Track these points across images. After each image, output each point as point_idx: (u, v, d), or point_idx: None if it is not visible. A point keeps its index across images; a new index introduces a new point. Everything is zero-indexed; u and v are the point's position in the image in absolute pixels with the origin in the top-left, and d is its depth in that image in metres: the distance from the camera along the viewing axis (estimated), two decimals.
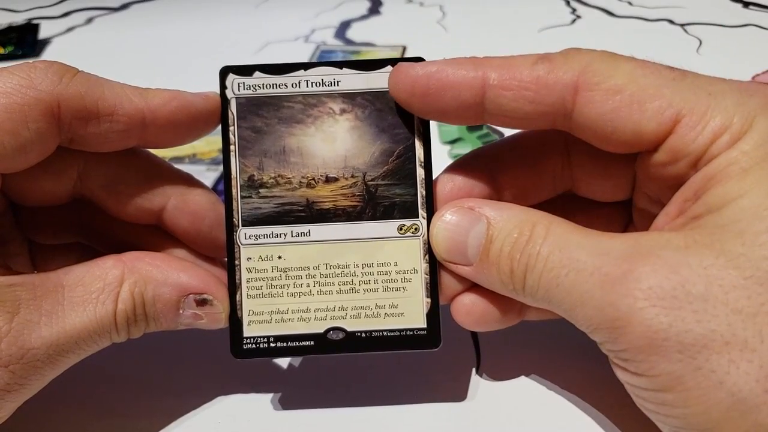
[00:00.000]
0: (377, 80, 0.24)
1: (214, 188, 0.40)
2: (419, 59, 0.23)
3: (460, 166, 0.24)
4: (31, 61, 0.22)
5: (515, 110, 0.21)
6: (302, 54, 0.57)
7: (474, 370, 0.27)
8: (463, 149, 0.43)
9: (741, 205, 0.18)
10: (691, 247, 0.19)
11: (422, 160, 0.24)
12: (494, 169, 0.24)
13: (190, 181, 0.25)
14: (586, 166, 0.24)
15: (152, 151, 0.25)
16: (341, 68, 0.24)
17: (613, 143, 0.21)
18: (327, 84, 0.24)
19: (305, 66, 0.24)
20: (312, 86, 0.24)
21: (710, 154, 0.20)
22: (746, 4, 0.60)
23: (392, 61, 0.23)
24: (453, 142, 0.44)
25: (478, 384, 0.26)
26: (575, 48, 0.22)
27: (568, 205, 0.25)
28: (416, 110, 0.23)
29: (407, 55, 0.55)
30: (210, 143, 0.44)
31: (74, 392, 0.26)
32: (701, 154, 0.20)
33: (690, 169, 0.20)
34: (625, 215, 0.25)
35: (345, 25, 0.62)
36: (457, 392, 0.26)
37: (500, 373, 0.27)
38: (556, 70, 0.21)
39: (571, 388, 0.26)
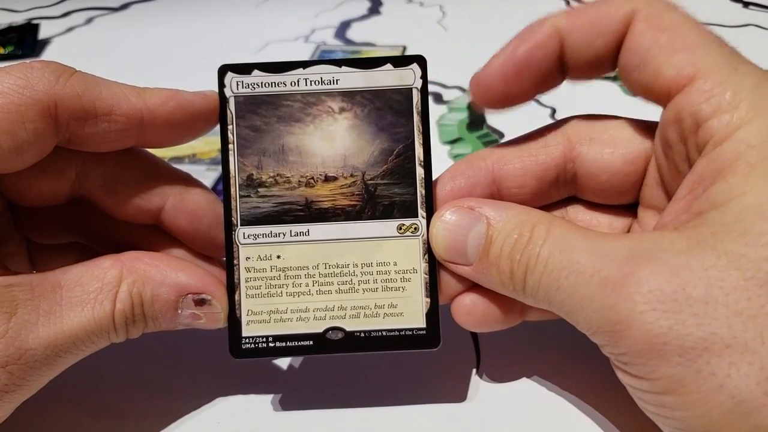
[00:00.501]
0: (377, 78, 0.23)
1: (214, 188, 0.40)
2: (419, 57, 0.24)
3: (461, 167, 0.24)
4: (29, 61, 0.22)
5: (589, 45, 0.22)
6: (302, 54, 0.57)
7: (474, 370, 0.27)
8: (463, 149, 0.43)
9: (745, 202, 0.18)
10: (693, 249, 0.18)
11: (422, 159, 0.24)
12: (496, 171, 0.24)
13: (188, 181, 0.25)
14: (589, 168, 0.24)
15: (151, 151, 0.25)
16: (340, 66, 0.24)
17: (635, 79, 0.22)
18: (326, 82, 0.24)
19: (304, 64, 0.24)
20: (311, 85, 0.24)
21: (709, 128, 0.19)
22: (746, 4, 0.60)
23: (391, 59, 0.24)
24: (453, 142, 0.44)
25: (478, 385, 0.26)
26: None
27: (571, 208, 0.25)
28: (516, 96, 0.23)
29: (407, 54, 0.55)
30: (209, 143, 0.44)
31: (74, 393, 0.26)
32: (702, 120, 0.20)
33: (691, 135, 0.20)
34: (628, 218, 0.25)
35: (345, 25, 0.62)
36: (457, 393, 0.26)
37: (500, 373, 0.27)
38: (614, 4, 0.22)
39: (571, 389, 0.26)
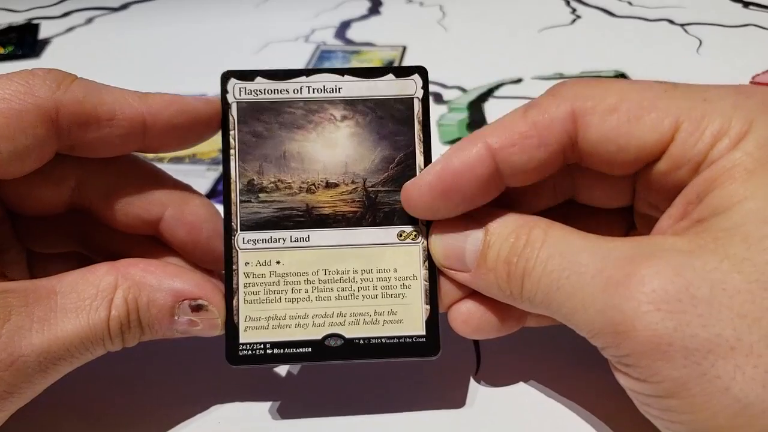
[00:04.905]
0: (379, 88, 0.24)
1: (215, 188, 0.40)
2: (421, 68, 0.24)
3: None
4: (31, 61, 0.22)
5: (528, 161, 0.21)
6: (302, 54, 0.57)
7: (473, 376, 0.27)
8: None
9: (746, 207, 0.18)
10: (695, 251, 0.18)
11: (422, 167, 0.24)
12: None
13: (188, 192, 0.25)
14: (586, 172, 0.24)
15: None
16: (343, 75, 0.24)
17: (619, 163, 0.21)
18: (328, 90, 0.24)
19: (307, 72, 0.24)
20: (313, 92, 0.24)
21: (711, 159, 0.19)
22: (746, 4, 0.60)
23: (394, 69, 0.24)
24: (453, 142, 0.44)
25: (477, 390, 0.26)
26: (559, 82, 0.22)
27: (569, 213, 0.25)
28: (444, 212, 0.23)
29: (407, 55, 0.55)
30: (210, 143, 0.43)
31: (71, 399, 0.26)
32: (702, 158, 0.20)
33: (692, 175, 0.20)
34: (626, 222, 0.25)
35: (345, 25, 0.62)
36: (455, 399, 0.26)
37: (500, 379, 0.27)
38: (548, 109, 0.21)
39: (570, 395, 0.26)
